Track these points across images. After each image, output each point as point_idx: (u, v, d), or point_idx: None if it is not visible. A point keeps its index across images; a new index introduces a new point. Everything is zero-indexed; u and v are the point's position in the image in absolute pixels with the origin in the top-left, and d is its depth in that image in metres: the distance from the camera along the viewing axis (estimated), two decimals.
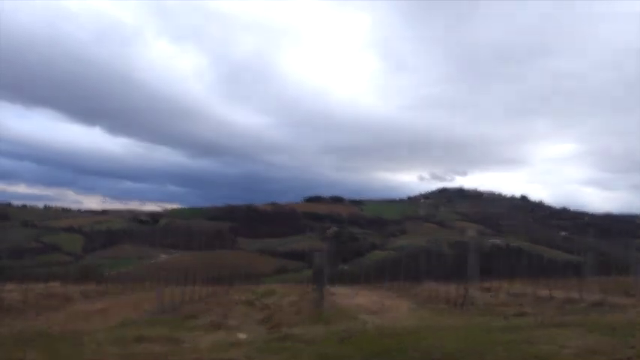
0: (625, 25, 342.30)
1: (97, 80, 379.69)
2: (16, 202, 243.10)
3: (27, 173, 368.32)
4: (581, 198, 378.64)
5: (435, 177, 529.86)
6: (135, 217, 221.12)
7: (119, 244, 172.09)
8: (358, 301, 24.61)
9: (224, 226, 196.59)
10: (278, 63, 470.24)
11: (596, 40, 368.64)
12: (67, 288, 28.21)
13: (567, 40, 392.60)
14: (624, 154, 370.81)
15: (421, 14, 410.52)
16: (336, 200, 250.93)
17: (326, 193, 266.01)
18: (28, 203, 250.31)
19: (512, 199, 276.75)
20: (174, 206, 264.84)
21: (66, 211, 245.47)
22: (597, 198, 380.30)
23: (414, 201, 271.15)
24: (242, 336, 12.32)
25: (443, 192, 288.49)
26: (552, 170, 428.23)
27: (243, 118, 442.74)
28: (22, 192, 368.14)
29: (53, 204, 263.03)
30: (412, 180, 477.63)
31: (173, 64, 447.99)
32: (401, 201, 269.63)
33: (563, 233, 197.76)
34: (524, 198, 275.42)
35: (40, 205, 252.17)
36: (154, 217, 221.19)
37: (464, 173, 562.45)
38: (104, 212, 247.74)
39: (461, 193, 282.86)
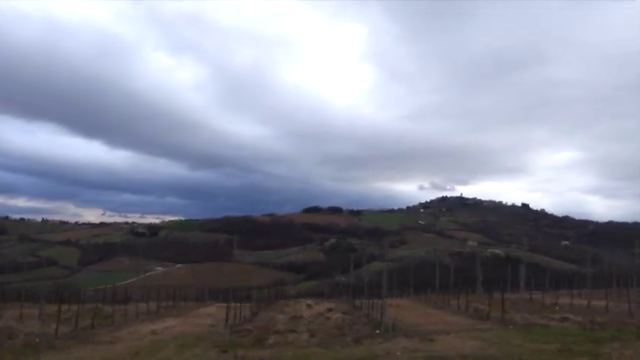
0: (625, 30, 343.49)
1: (97, 94, 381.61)
2: (15, 216, 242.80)
3: (27, 187, 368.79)
4: (583, 206, 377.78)
5: (435, 186, 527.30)
6: (132, 229, 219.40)
7: (116, 257, 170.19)
8: (410, 315, 23.30)
9: (221, 238, 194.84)
10: (276, 74, 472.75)
11: (595, 45, 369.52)
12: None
13: (566, 47, 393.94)
14: (627, 161, 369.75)
15: (417, 24, 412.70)
16: (335, 211, 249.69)
17: (325, 203, 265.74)
18: (27, 217, 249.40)
19: (513, 207, 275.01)
20: (174, 218, 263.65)
21: (63, 224, 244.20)
22: (600, 206, 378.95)
23: (413, 211, 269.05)
24: None
25: (443, 201, 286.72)
26: (554, 178, 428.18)
27: (242, 129, 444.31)
28: (21, 205, 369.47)
29: (52, 217, 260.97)
30: (412, 190, 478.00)
31: (172, 77, 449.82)
32: (400, 211, 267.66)
33: (565, 242, 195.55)
34: (525, 206, 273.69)
35: (39, 218, 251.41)
36: (152, 229, 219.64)
37: (465, 182, 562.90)
38: (102, 225, 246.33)
39: (461, 202, 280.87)
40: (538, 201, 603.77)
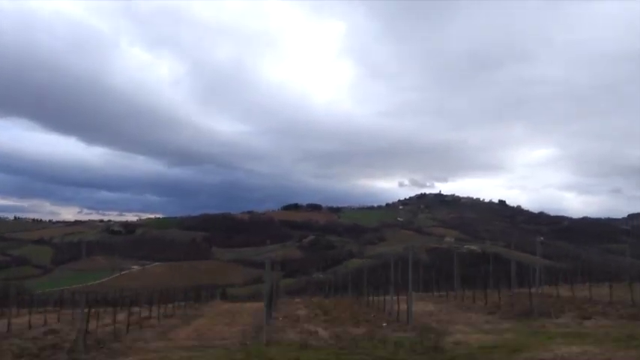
0: (601, 29, 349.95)
1: (72, 89, 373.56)
2: None
3: None
4: (559, 202, 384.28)
5: (415, 183, 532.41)
6: (108, 227, 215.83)
7: (91, 255, 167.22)
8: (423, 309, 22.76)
9: (199, 236, 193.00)
10: (256, 70, 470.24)
11: (571, 45, 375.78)
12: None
13: (543, 46, 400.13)
14: (602, 158, 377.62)
15: (396, 21, 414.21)
16: (314, 208, 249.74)
17: (305, 200, 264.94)
18: None
19: (491, 204, 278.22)
20: (152, 216, 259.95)
21: (37, 223, 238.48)
22: (575, 202, 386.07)
23: (392, 208, 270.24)
24: None
25: (421, 198, 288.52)
26: (530, 175, 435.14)
27: (221, 125, 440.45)
28: None
29: (26, 216, 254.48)
30: (392, 187, 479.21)
31: (149, 72, 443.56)
32: (379, 208, 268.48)
33: (540, 238, 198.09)
34: (502, 203, 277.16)
35: (11, 217, 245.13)
36: (129, 227, 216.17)
37: (444, 179, 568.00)
38: (77, 223, 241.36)
39: (439, 199, 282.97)
40: (515, 197, 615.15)
